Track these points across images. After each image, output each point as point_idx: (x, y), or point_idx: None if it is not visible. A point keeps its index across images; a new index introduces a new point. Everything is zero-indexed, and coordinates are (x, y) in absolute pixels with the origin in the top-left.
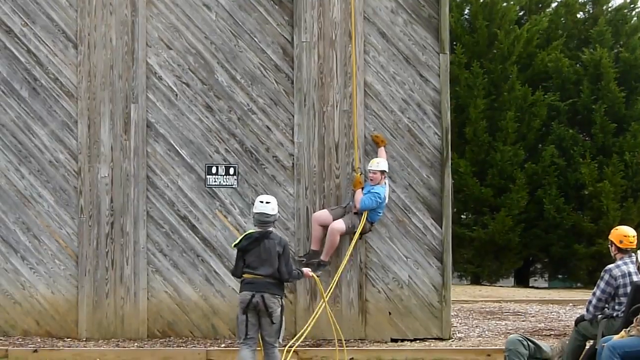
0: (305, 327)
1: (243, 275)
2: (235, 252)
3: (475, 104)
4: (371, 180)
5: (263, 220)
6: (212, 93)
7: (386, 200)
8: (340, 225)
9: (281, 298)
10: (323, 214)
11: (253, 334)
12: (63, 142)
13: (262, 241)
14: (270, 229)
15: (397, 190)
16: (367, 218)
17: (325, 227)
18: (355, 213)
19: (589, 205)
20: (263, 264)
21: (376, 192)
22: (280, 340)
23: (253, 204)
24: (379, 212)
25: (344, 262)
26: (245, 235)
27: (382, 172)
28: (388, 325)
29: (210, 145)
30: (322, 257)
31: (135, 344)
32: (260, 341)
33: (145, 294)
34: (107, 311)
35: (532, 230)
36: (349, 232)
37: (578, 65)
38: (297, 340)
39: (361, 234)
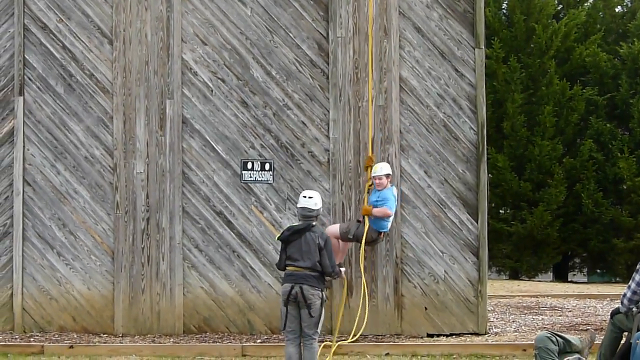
0: (356, 324)
1: (286, 268)
2: (274, 247)
3: (513, 99)
4: (378, 186)
5: (306, 214)
6: (248, 89)
7: (395, 203)
8: (333, 229)
9: (322, 291)
10: (333, 227)
11: (294, 327)
12: (99, 138)
13: (303, 234)
14: (313, 222)
15: (432, 185)
16: (375, 227)
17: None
18: (358, 221)
19: (628, 200)
20: (303, 256)
21: (386, 197)
22: (319, 331)
23: (288, 199)
24: (387, 221)
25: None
26: (288, 227)
27: (387, 175)
28: (424, 320)
29: (245, 140)
30: None
31: (171, 340)
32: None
33: (181, 289)
34: (143, 307)
35: (570, 225)
36: (343, 238)
37: (616, 60)
38: (353, 335)
39: (371, 242)
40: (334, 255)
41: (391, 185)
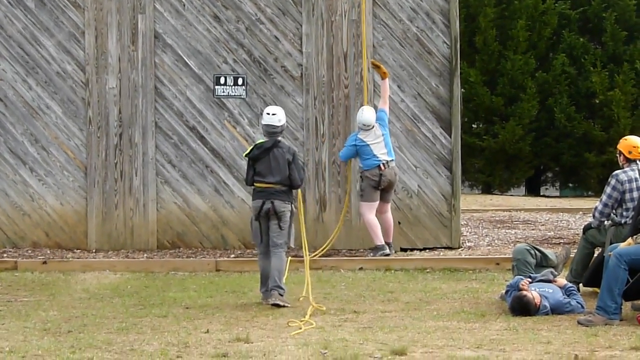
0: (330, 239)
1: (254, 184)
2: (246, 162)
3: (485, 13)
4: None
5: (270, 131)
6: (220, 3)
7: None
8: (366, 211)
9: (291, 204)
10: (365, 212)
11: (267, 240)
12: (70, 53)
13: (271, 150)
14: (279, 138)
15: (406, 100)
16: (360, 168)
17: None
18: (360, 176)
19: (600, 114)
20: (273, 172)
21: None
22: (292, 244)
23: (261, 115)
24: (366, 157)
25: (343, 212)
26: (256, 145)
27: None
28: (397, 234)
29: (218, 55)
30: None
31: (145, 255)
32: (269, 243)
33: (155, 205)
34: (117, 222)
35: (542, 140)
36: (366, 199)
37: None
38: (321, 251)
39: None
40: (300, 168)
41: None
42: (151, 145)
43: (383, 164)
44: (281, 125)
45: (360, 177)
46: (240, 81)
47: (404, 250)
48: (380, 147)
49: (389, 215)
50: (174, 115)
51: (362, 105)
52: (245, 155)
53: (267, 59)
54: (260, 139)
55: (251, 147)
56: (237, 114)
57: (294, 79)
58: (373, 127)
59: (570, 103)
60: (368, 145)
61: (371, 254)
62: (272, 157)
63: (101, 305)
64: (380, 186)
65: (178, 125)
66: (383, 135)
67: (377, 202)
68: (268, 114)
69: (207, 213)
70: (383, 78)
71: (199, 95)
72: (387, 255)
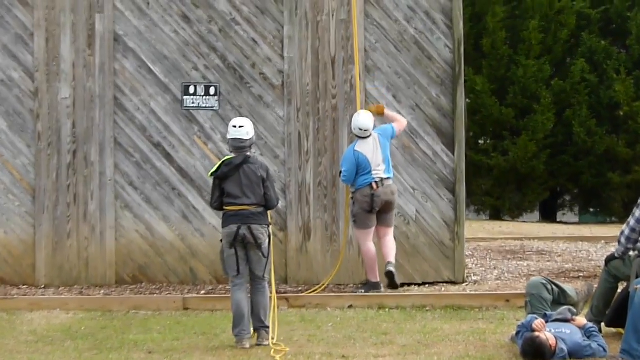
0: (328, 278)
1: (224, 208)
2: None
3: (494, 12)
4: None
5: (238, 146)
6: (190, 1)
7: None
8: (364, 241)
9: (268, 227)
10: (364, 245)
11: (244, 270)
12: (17, 58)
13: (242, 167)
14: (249, 153)
15: (402, 112)
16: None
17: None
18: (352, 198)
19: (624, 128)
20: (246, 192)
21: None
22: (266, 275)
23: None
24: (361, 173)
25: (343, 242)
26: (223, 161)
27: None
28: None
29: (187, 61)
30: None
31: (102, 292)
32: (250, 276)
33: (113, 233)
34: (69, 254)
35: (559, 157)
36: (359, 226)
37: None
38: (319, 288)
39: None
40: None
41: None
42: (110, 165)
43: (375, 182)
44: (249, 139)
45: (352, 199)
46: (212, 91)
47: (400, 285)
48: (377, 161)
49: (391, 238)
50: (136, 130)
51: (350, 116)
52: (211, 174)
53: (244, 65)
54: (228, 155)
55: (218, 164)
56: (209, 128)
57: (274, 87)
58: (370, 135)
59: (590, 115)
60: (365, 157)
61: (361, 290)
62: (244, 175)
63: (51, 349)
64: (373, 208)
65: (141, 142)
66: (381, 147)
67: (373, 227)
68: (234, 126)
69: (173, 243)
70: (381, 113)
71: (165, 107)
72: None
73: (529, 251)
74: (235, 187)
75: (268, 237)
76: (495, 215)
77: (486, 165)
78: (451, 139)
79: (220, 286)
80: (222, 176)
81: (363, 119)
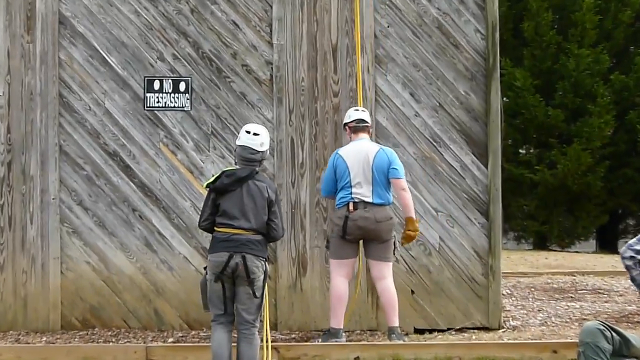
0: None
1: (216, 229)
2: (204, 195)
3: None
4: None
5: (247, 157)
6: None
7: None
8: (335, 285)
9: (265, 261)
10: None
11: (229, 309)
12: None
13: (245, 182)
14: (257, 169)
15: (422, 114)
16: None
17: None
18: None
19: None
20: (245, 213)
21: (393, 158)
22: (257, 320)
23: (213, 134)
24: (340, 187)
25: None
26: (225, 172)
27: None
28: (410, 309)
29: (151, 49)
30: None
31: (44, 339)
32: (236, 319)
33: (58, 265)
34: (3, 291)
35: (620, 171)
36: (331, 254)
37: None
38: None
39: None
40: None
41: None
42: (53, 179)
43: (354, 202)
44: (263, 152)
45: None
46: (182, 87)
47: (419, 332)
48: (361, 175)
49: (389, 284)
50: (87, 136)
51: None
52: (207, 185)
53: (222, 54)
54: (211, 169)
55: (217, 174)
56: (178, 133)
57: (261, 83)
58: (367, 129)
59: None
60: (345, 164)
61: (319, 340)
62: (247, 193)
63: None
64: (345, 236)
65: (93, 150)
66: (375, 169)
67: (350, 260)
68: (248, 132)
69: (134, 277)
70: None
71: (124, 107)
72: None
73: (582, 289)
74: (234, 205)
75: (264, 273)
76: (540, 244)
77: (528, 180)
78: (484, 147)
79: (193, 332)
80: (220, 189)
81: (359, 111)
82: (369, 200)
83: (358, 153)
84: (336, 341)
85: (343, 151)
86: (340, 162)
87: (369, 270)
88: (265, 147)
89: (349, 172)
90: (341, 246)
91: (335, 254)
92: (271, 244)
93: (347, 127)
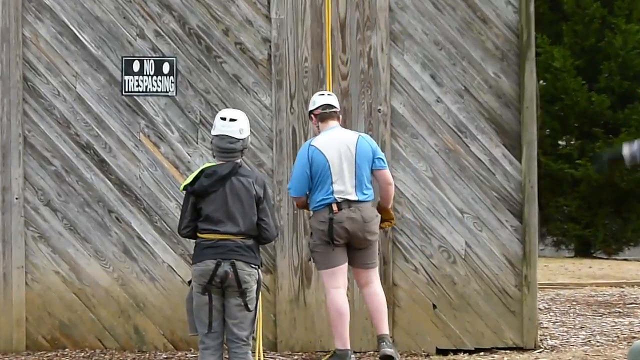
0: None
1: (199, 235)
2: (181, 198)
3: None
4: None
5: (227, 147)
6: None
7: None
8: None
9: (258, 268)
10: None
11: (218, 326)
12: None
13: (228, 180)
14: (239, 161)
15: (444, 99)
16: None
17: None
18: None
19: None
20: (231, 216)
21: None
22: (251, 337)
23: (202, 123)
24: (315, 184)
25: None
26: (203, 170)
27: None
28: (431, 326)
29: (129, 25)
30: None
31: None
32: (227, 336)
33: (22, 276)
34: None
35: None
36: (320, 265)
37: None
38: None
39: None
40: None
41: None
42: (17, 176)
43: (337, 202)
44: (243, 139)
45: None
46: (166, 68)
47: (442, 352)
48: (344, 170)
49: (376, 287)
50: (56, 126)
51: (369, 105)
52: (184, 187)
53: (212, 30)
54: (200, 163)
55: (195, 173)
56: (161, 122)
57: (257, 64)
58: (337, 115)
59: None
60: (324, 157)
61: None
62: (231, 192)
63: None
64: (334, 240)
65: (62, 142)
66: (357, 161)
67: (342, 266)
68: (223, 119)
69: (110, 290)
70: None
71: (98, 92)
72: None
73: (631, 303)
74: (218, 208)
75: (257, 282)
76: (583, 251)
77: (569, 177)
78: (517, 138)
79: (179, 353)
80: (200, 191)
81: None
82: (353, 197)
83: (337, 144)
84: None
85: (318, 142)
86: (318, 156)
87: (354, 277)
88: (245, 134)
89: (329, 167)
90: (329, 253)
91: (323, 264)
92: (269, 250)
93: (312, 115)
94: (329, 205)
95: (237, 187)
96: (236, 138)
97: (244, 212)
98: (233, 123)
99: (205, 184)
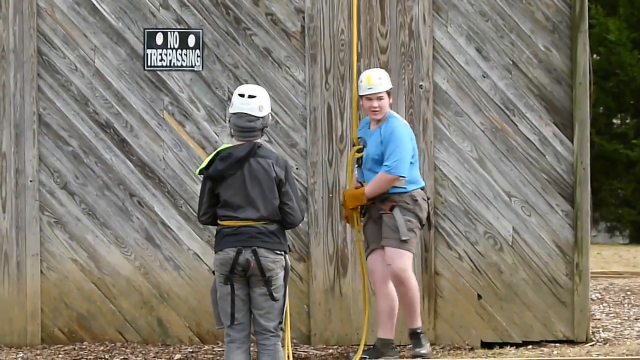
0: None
1: (219, 222)
2: (200, 183)
3: None
4: (374, 113)
5: (246, 126)
6: None
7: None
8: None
9: (284, 255)
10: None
11: (244, 317)
12: None
13: (246, 162)
14: (259, 141)
15: (490, 74)
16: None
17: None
18: (400, 204)
19: None
20: (252, 200)
21: (396, 137)
22: (279, 327)
23: (229, 101)
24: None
25: None
26: (219, 152)
27: (389, 92)
28: (476, 317)
29: None
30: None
31: (20, 355)
32: (254, 328)
33: (37, 264)
34: None
35: None
36: (409, 246)
37: None
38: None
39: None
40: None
41: (394, 116)
42: (31, 157)
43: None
44: (264, 117)
45: (400, 205)
46: (191, 41)
47: (487, 345)
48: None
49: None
50: (73, 103)
51: (409, 81)
52: (200, 172)
53: (241, 0)
54: (227, 143)
55: (211, 155)
56: (186, 99)
57: (290, 36)
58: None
59: None
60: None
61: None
62: (249, 175)
63: None
64: (423, 222)
65: (80, 121)
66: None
67: None
68: (242, 95)
69: (131, 279)
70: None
71: (118, 67)
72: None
73: None
74: (236, 192)
75: (284, 269)
76: (639, 237)
77: (624, 158)
78: (568, 117)
79: (206, 347)
80: (215, 176)
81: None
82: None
83: None
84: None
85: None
86: (412, 135)
87: (372, 265)
88: (266, 111)
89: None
90: (417, 236)
91: (414, 246)
92: (303, 237)
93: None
94: (423, 187)
95: (255, 170)
96: (255, 116)
97: (264, 196)
98: (252, 100)
99: (220, 168)
